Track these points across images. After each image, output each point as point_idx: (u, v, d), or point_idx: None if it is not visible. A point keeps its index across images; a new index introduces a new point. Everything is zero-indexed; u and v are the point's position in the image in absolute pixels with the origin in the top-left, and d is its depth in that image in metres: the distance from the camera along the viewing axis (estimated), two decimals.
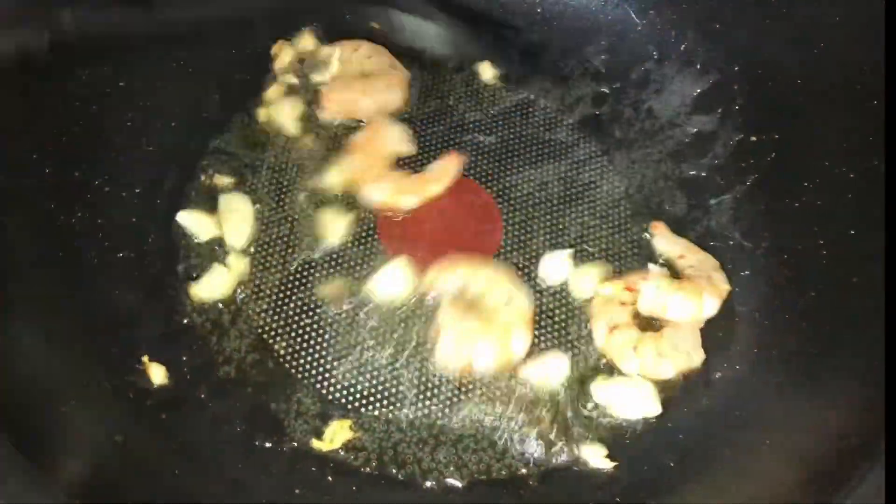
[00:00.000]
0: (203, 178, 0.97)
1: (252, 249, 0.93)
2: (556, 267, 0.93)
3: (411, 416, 0.83)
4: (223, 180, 0.97)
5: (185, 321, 0.87)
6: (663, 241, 0.95)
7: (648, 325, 0.89)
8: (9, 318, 0.74)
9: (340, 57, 1.05)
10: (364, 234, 0.95)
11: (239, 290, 0.90)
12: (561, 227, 0.97)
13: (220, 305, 0.89)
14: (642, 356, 0.85)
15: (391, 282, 0.90)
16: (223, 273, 0.90)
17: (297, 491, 0.78)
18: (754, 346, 0.87)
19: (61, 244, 0.84)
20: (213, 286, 0.89)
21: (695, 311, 0.87)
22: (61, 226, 0.85)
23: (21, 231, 0.81)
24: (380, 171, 0.96)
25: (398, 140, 0.99)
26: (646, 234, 0.96)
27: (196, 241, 0.92)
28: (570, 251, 0.93)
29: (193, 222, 0.93)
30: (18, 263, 0.79)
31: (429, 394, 0.85)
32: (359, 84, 1.02)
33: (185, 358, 0.85)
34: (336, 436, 0.81)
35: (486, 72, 1.08)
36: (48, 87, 0.87)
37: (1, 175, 0.80)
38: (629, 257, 0.95)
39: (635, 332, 0.87)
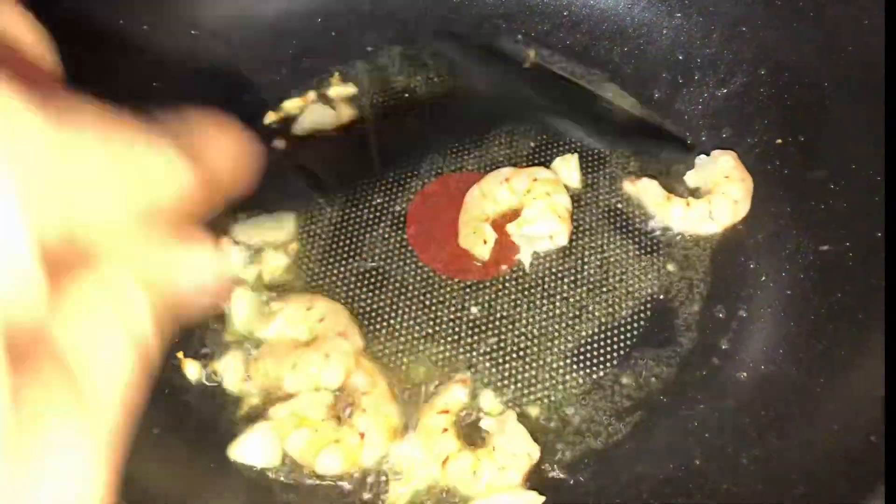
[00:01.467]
0: None
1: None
2: None
3: None
4: None
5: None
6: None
7: (472, 441, 0.83)
8: None
9: (286, 315, 0.88)
10: None
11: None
12: None
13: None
14: (485, 475, 0.79)
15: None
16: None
17: None
18: (780, 347, 0.88)
19: None
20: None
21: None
22: None
23: None
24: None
25: None
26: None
27: None
28: None
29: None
30: None
31: None
32: (291, 357, 0.85)
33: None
34: None
35: None
36: (83, 88, 0.88)
37: None
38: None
39: (469, 455, 0.81)
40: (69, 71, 0.46)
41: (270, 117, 1.03)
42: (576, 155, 1.01)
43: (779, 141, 0.99)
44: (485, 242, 0.94)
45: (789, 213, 0.95)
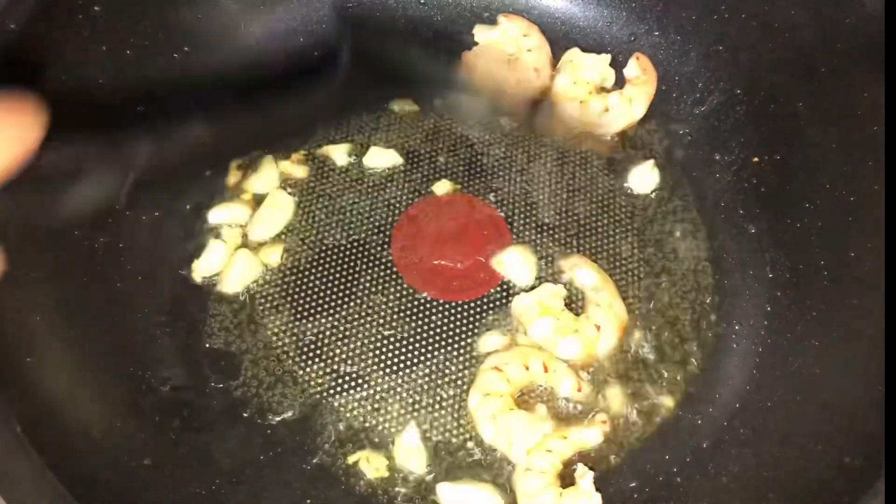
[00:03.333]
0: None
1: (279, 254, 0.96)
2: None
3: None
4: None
5: (207, 344, 0.90)
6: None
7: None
8: (36, 346, 0.76)
9: (504, 29, 1.09)
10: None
11: (259, 312, 0.92)
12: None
13: (242, 323, 0.91)
14: None
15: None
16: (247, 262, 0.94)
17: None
18: (756, 364, 0.90)
19: (86, 270, 0.86)
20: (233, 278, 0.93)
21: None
22: (85, 252, 0.87)
23: (48, 255, 0.83)
24: None
25: None
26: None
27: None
28: None
29: (225, 216, 0.98)
30: (48, 291, 0.81)
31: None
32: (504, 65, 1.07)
33: (208, 381, 0.88)
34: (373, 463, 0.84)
35: None
36: (69, 111, 0.88)
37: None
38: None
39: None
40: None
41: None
42: None
43: (755, 159, 1.00)
44: None
45: (766, 230, 0.98)
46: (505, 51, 1.08)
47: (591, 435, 0.86)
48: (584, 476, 0.81)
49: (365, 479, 0.83)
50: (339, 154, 1.04)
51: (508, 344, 0.91)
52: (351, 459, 0.84)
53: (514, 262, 0.95)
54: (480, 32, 1.09)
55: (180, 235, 0.96)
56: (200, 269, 0.94)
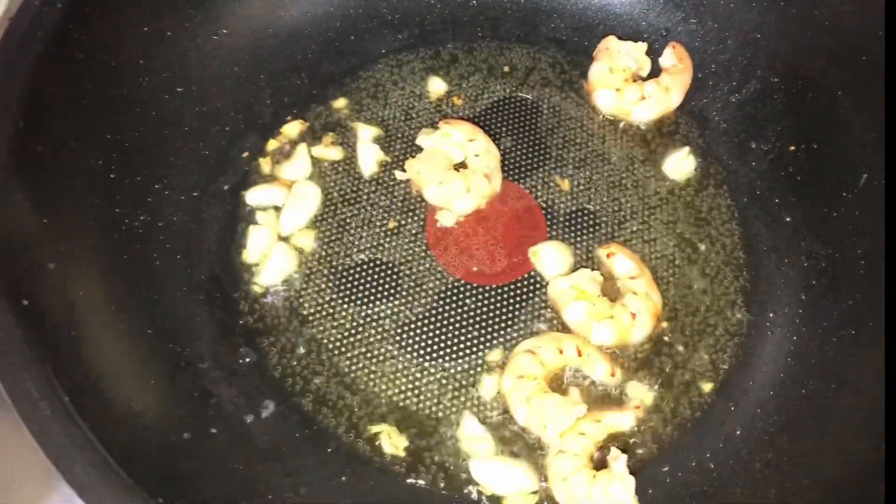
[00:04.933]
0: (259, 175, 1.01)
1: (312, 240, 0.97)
2: None
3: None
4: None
5: (242, 321, 0.91)
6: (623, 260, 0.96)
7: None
8: (79, 324, 0.76)
9: (450, 135, 1.01)
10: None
11: (295, 292, 0.93)
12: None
13: (277, 304, 0.92)
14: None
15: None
16: (283, 255, 0.94)
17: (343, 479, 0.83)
18: (792, 352, 0.90)
19: (126, 248, 0.87)
20: (271, 271, 0.94)
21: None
22: (126, 229, 0.88)
23: (91, 235, 0.84)
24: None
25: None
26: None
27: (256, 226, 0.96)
28: None
29: (261, 197, 0.99)
30: (90, 268, 0.82)
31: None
32: (441, 174, 0.99)
33: (244, 359, 0.88)
34: (394, 441, 0.85)
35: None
36: (113, 94, 0.90)
37: (73, 180, 0.83)
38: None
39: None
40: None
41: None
42: None
43: (792, 148, 1.00)
44: None
45: (801, 219, 0.97)
46: (451, 157, 1.01)
47: (624, 419, 0.86)
48: (618, 459, 0.81)
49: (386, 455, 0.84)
50: (364, 132, 1.05)
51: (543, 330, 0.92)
52: (374, 429, 0.85)
53: (549, 256, 0.96)
54: (423, 138, 1.02)
55: (217, 215, 0.97)
56: (248, 258, 0.95)
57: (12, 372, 0.65)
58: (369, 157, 1.03)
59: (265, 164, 1.02)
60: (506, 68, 1.12)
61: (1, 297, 0.68)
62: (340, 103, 1.07)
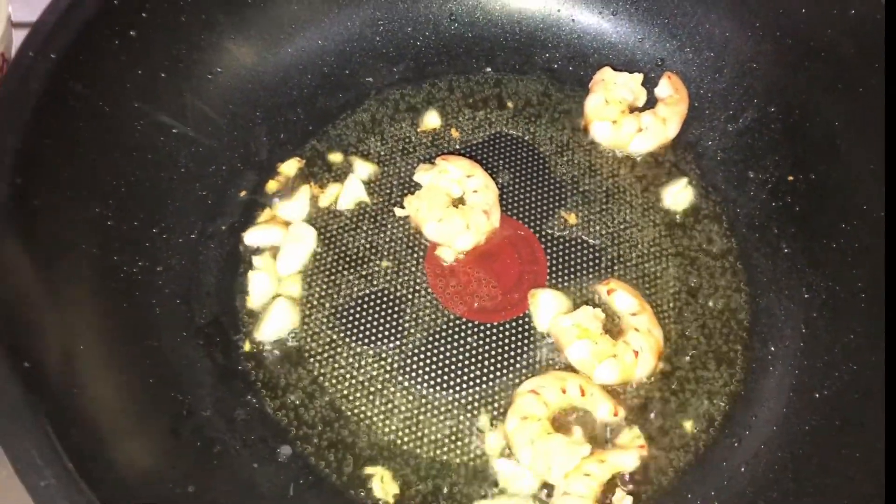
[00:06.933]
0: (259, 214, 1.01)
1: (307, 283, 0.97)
2: None
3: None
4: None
5: (241, 367, 0.91)
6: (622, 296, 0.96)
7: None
8: (80, 380, 0.76)
9: (448, 172, 1.01)
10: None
11: (294, 335, 0.93)
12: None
13: (276, 350, 0.92)
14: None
15: None
16: (283, 310, 0.94)
17: None
18: (794, 387, 0.90)
19: (125, 296, 0.87)
20: (271, 327, 0.93)
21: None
22: (124, 277, 0.87)
23: (89, 285, 0.83)
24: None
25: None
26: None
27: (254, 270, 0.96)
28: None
29: (259, 238, 0.98)
30: (90, 319, 0.81)
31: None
32: (441, 211, 0.99)
33: (245, 407, 0.88)
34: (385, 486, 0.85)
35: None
36: (108, 140, 0.89)
37: (70, 231, 0.82)
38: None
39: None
40: None
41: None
42: None
43: (790, 177, 1.00)
44: None
45: (801, 250, 0.97)
46: (449, 193, 1.01)
47: (628, 458, 0.86)
48: (622, 501, 0.81)
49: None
50: (361, 168, 1.05)
51: (544, 367, 0.92)
52: (367, 471, 0.85)
53: (545, 304, 0.95)
54: (421, 174, 1.02)
55: (216, 256, 0.96)
56: (250, 305, 0.95)
57: (17, 440, 0.64)
58: (350, 194, 1.03)
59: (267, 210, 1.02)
60: (504, 101, 1.12)
61: (2, 360, 0.68)
62: (336, 139, 1.07)
